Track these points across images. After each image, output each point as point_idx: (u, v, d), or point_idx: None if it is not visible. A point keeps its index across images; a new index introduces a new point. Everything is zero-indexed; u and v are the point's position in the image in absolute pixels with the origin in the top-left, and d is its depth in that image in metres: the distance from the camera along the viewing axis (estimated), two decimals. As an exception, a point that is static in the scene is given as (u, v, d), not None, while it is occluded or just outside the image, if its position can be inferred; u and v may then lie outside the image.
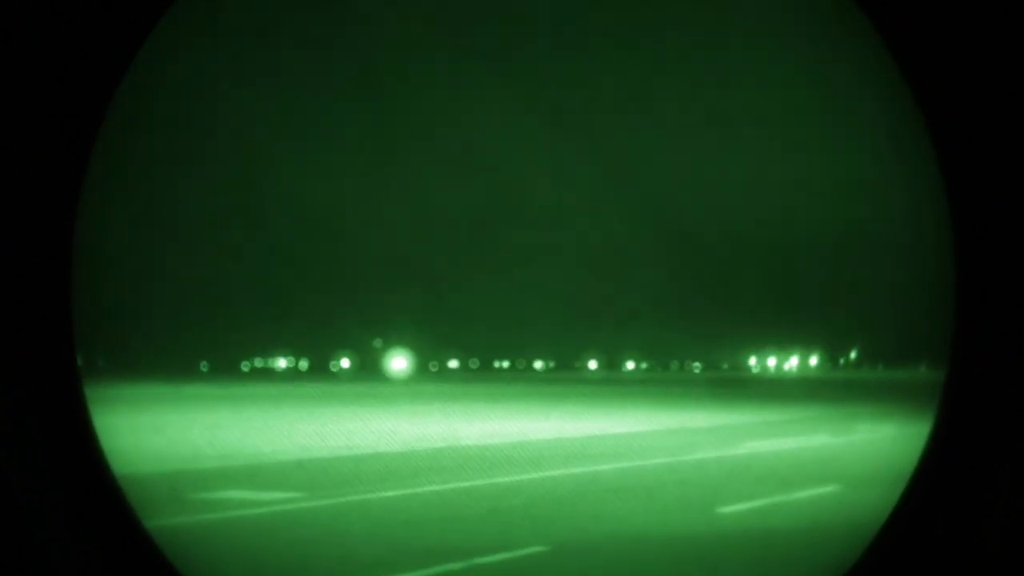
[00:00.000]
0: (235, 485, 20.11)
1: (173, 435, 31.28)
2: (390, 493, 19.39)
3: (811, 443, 30.58)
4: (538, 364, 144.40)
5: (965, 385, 5.24)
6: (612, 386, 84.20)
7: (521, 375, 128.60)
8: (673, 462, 25.46)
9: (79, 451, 5.77)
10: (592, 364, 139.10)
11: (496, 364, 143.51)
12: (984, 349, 5.16)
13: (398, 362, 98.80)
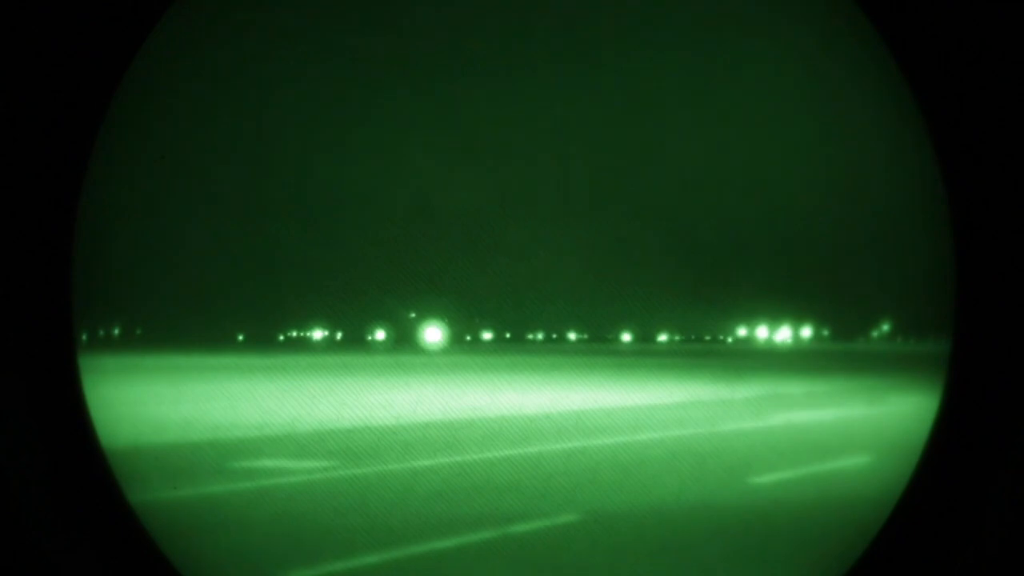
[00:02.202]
0: (270, 454, 20.26)
1: (208, 404, 31.49)
2: (423, 462, 19.48)
3: (844, 414, 30.54)
4: (571, 336, 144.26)
5: (966, 382, 5.27)
6: (646, 358, 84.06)
7: (555, 346, 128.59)
8: (705, 432, 25.47)
9: (76, 441, 5.81)
10: (625, 336, 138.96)
11: (530, 336, 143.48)
12: (984, 346, 5.19)
13: (432, 333, 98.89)
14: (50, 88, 5.42)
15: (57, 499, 5.63)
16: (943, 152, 5.12)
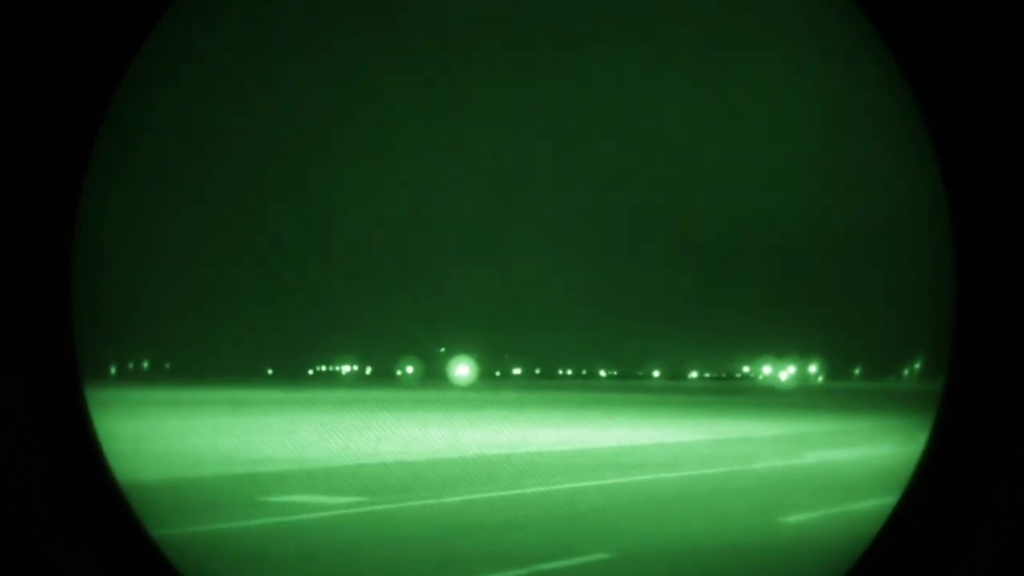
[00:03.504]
0: (301, 489, 20.27)
1: (238, 438, 31.53)
2: (453, 498, 19.48)
3: (873, 453, 30.39)
4: (602, 372, 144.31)
5: (965, 387, 5.27)
6: (677, 395, 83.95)
7: (584, 383, 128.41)
8: (736, 471, 25.41)
9: (76, 441, 5.83)
10: (655, 373, 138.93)
11: (560, 372, 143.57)
12: (984, 351, 5.18)
13: (462, 369, 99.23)
14: (50, 88, 5.46)
15: (57, 499, 5.64)
16: (943, 152, 5.14)
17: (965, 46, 5.00)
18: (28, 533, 5.42)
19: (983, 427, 5.19)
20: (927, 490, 5.48)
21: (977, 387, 5.22)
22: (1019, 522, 4.99)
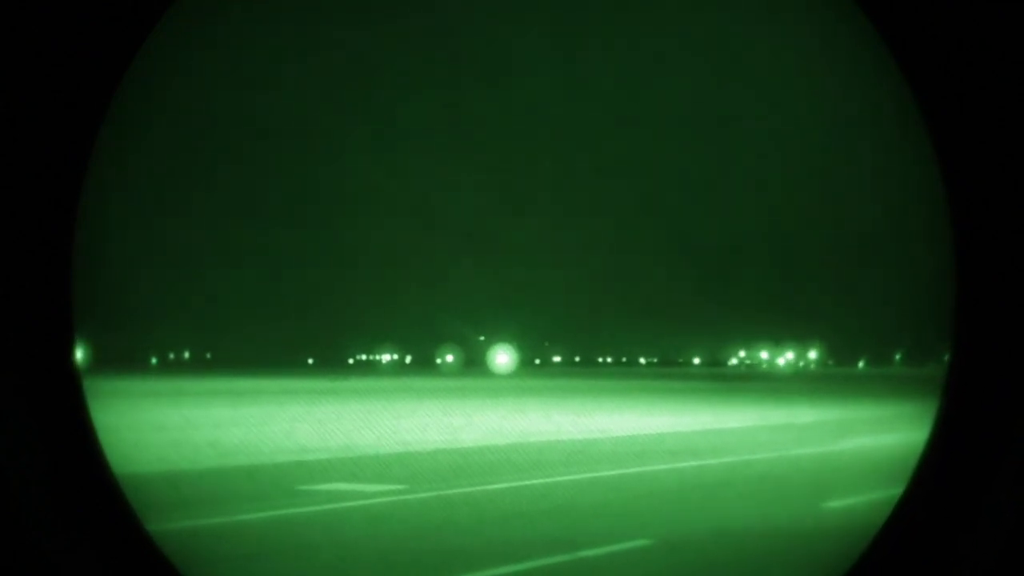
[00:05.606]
0: (339, 477, 20.28)
1: (277, 428, 31.60)
2: (494, 486, 19.45)
3: (916, 438, 30.22)
4: (641, 360, 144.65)
5: (966, 384, 5.23)
6: (716, 382, 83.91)
7: (624, 370, 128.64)
8: (778, 457, 25.33)
9: (76, 441, 5.82)
10: (695, 360, 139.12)
11: (599, 359, 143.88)
12: (984, 348, 5.14)
13: (502, 357, 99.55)
14: (50, 88, 5.46)
15: (57, 499, 5.63)
16: (943, 152, 5.11)
17: (965, 46, 4.95)
18: (28, 533, 5.41)
19: (983, 426, 5.15)
20: (928, 487, 5.45)
21: (977, 385, 5.19)
22: (1020, 519, 4.95)
